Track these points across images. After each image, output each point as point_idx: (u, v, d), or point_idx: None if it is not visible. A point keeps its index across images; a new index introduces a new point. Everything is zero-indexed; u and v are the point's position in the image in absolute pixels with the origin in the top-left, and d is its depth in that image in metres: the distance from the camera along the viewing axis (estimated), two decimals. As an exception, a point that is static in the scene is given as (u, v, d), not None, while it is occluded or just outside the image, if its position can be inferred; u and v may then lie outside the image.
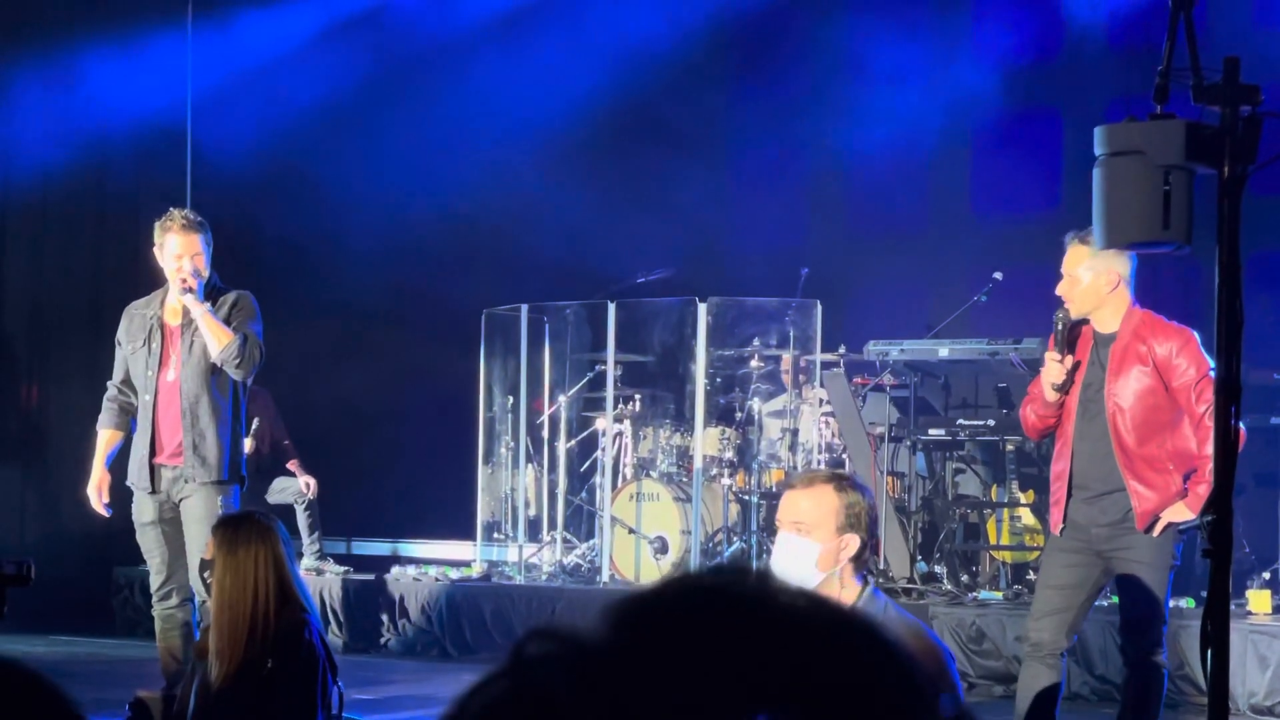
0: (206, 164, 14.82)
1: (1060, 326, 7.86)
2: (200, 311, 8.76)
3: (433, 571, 13.50)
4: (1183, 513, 7.61)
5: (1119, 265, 7.86)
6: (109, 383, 9.18)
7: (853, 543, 4.95)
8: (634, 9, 15.00)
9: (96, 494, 9.03)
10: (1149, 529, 7.70)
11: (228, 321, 8.81)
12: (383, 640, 12.98)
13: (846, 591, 4.97)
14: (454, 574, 13.39)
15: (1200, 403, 7.66)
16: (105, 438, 9.16)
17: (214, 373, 8.82)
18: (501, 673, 1.11)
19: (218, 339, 8.75)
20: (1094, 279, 7.83)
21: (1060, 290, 7.96)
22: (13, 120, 15.07)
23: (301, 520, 13.41)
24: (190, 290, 8.74)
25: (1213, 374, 7.65)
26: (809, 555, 4.93)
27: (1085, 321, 7.91)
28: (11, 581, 4.92)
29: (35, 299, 15.62)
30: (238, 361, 8.74)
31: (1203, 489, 7.54)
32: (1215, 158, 4.87)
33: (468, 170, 15.01)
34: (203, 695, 6.16)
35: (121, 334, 9.10)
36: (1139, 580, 7.62)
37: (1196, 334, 7.95)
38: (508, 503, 13.86)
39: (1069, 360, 7.84)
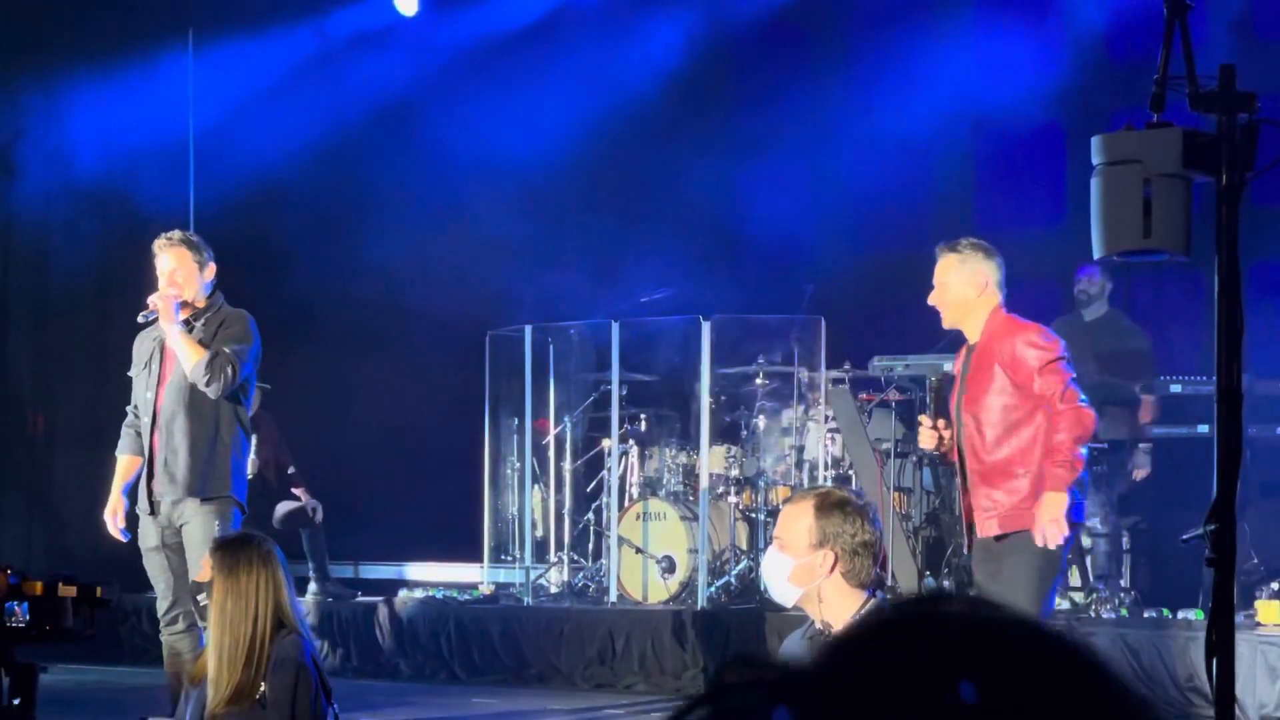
0: (210, 189, 14.82)
1: (932, 385, 7.92)
2: (171, 330, 8.79)
3: (439, 594, 13.47)
4: (1054, 503, 7.55)
5: (985, 270, 7.92)
6: (128, 408, 9.20)
7: (828, 559, 4.97)
8: (634, 29, 14.99)
9: (112, 519, 9.01)
10: (1002, 537, 7.66)
11: (214, 339, 8.82)
12: (391, 664, 12.94)
13: (839, 607, 4.97)
14: (461, 596, 13.37)
15: (1048, 387, 7.63)
16: (123, 464, 9.15)
17: (193, 392, 8.82)
18: (702, 699, 1.09)
19: (186, 356, 8.79)
20: (959, 285, 7.89)
21: (931, 300, 8.04)
22: (18, 149, 15.08)
23: (307, 544, 13.39)
24: (153, 309, 8.80)
25: (1062, 357, 7.72)
26: (784, 570, 5.03)
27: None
28: (100, 604, 4.96)
29: (40, 327, 15.62)
30: (206, 378, 8.74)
31: (1063, 470, 7.52)
32: (1213, 166, 4.85)
33: (469, 192, 15.01)
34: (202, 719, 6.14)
35: (132, 360, 9.14)
36: (1001, 592, 7.57)
37: (1042, 325, 7.93)
38: (514, 524, 13.84)
39: (941, 425, 7.86)
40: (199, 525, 8.71)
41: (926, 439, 7.89)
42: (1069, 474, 7.55)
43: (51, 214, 15.29)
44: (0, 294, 15.50)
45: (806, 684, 1.07)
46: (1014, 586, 7.61)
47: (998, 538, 7.71)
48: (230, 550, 6.26)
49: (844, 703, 1.06)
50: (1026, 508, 7.65)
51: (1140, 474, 12.40)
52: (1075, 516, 7.86)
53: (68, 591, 5.01)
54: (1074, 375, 7.80)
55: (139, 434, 9.08)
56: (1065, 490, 7.53)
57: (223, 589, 6.08)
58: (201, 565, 6.40)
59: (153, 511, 8.84)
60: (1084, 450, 7.63)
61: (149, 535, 8.90)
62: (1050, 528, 7.50)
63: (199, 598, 6.22)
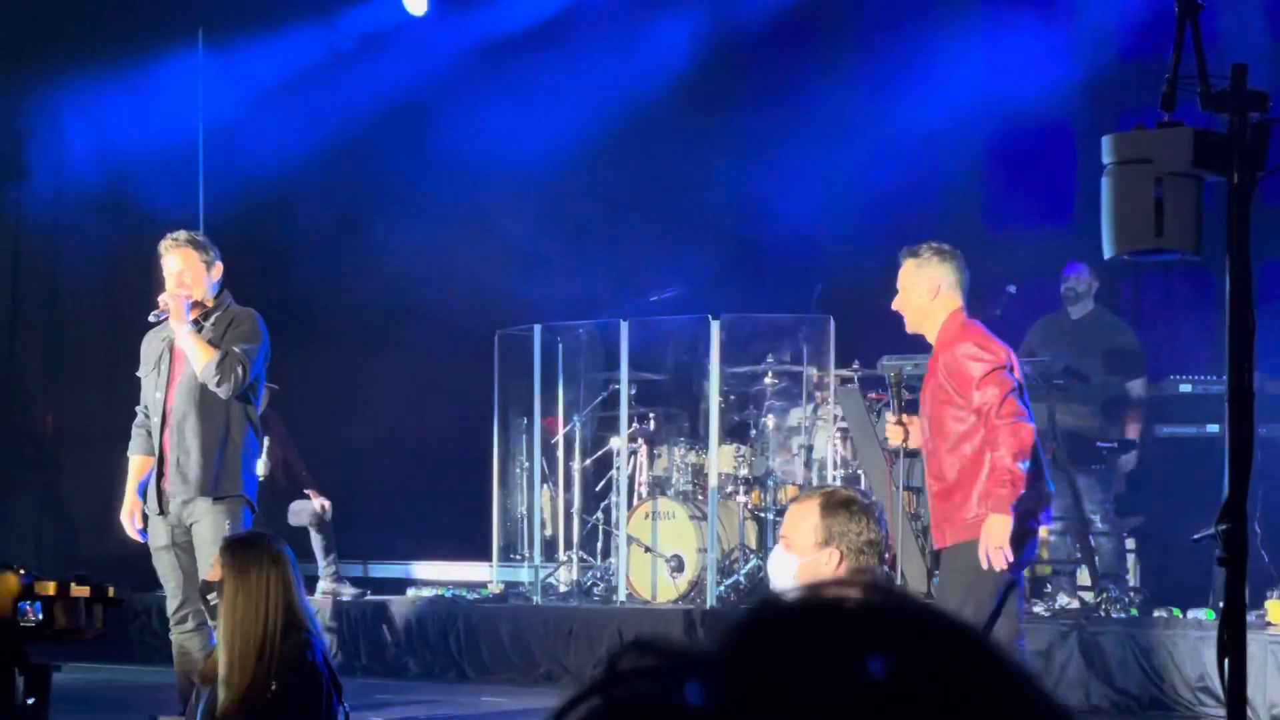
0: (219, 189, 14.83)
1: (892, 380, 7.92)
2: (181, 330, 8.80)
3: (449, 593, 13.47)
4: (995, 528, 7.43)
5: (938, 273, 7.87)
6: (138, 408, 9.21)
7: (833, 558, 4.98)
8: (644, 28, 15.00)
9: (129, 520, 9.03)
10: (947, 548, 7.61)
11: (223, 338, 8.83)
12: (400, 662, 12.95)
13: None
14: (470, 595, 13.37)
15: (985, 400, 7.55)
16: (135, 464, 9.16)
17: (204, 392, 8.83)
18: (594, 687, 1.06)
19: (196, 356, 8.80)
20: (915, 290, 7.86)
21: (894, 305, 8.02)
22: (28, 150, 15.11)
23: (317, 543, 13.40)
24: (163, 309, 8.81)
25: (1002, 367, 7.63)
26: (789, 568, 5.04)
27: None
28: (112, 603, 4.98)
29: (50, 327, 15.64)
30: (217, 378, 8.75)
31: (1004, 490, 7.45)
32: (1224, 165, 4.84)
33: (479, 192, 15.03)
34: (209, 719, 6.14)
35: (141, 361, 9.15)
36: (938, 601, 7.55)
37: (986, 332, 7.83)
38: (523, 523, 13.84)
39: (906, 420, 7.84)
40: (209, 524, 8.72)
41: (892, 434, 7.87)
42: (1010, 493, 7.39)
43: (61, 215, 15.32)
44: (10, 295, 15.52)
45: (709, 667, 1.04)
46: (944, 596, 7.61)
47: (945, 549, 7.68)
48: (240, 549, 6.26)
49: (749, 684, 1.03)
50: (966, 520, 7.57)
51: (1125, 469, 12.39)
52: (1044, 519, 7.86)
53: (80, 591, 5.03)
54: (1017, 385, 7.66)
55: (150, 434, 9.09)
56: (1007, 511, 7.38)
57: (233, 588, 6.07)
58: (211, 564, 6.39)
59: (162, 511, 8.85)
60: (1023, 465, 7.48)
61: (159, 534, 8.91)
62: (994, 554, 7.39)
63: (209, 597, 6.21)
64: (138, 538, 9.07)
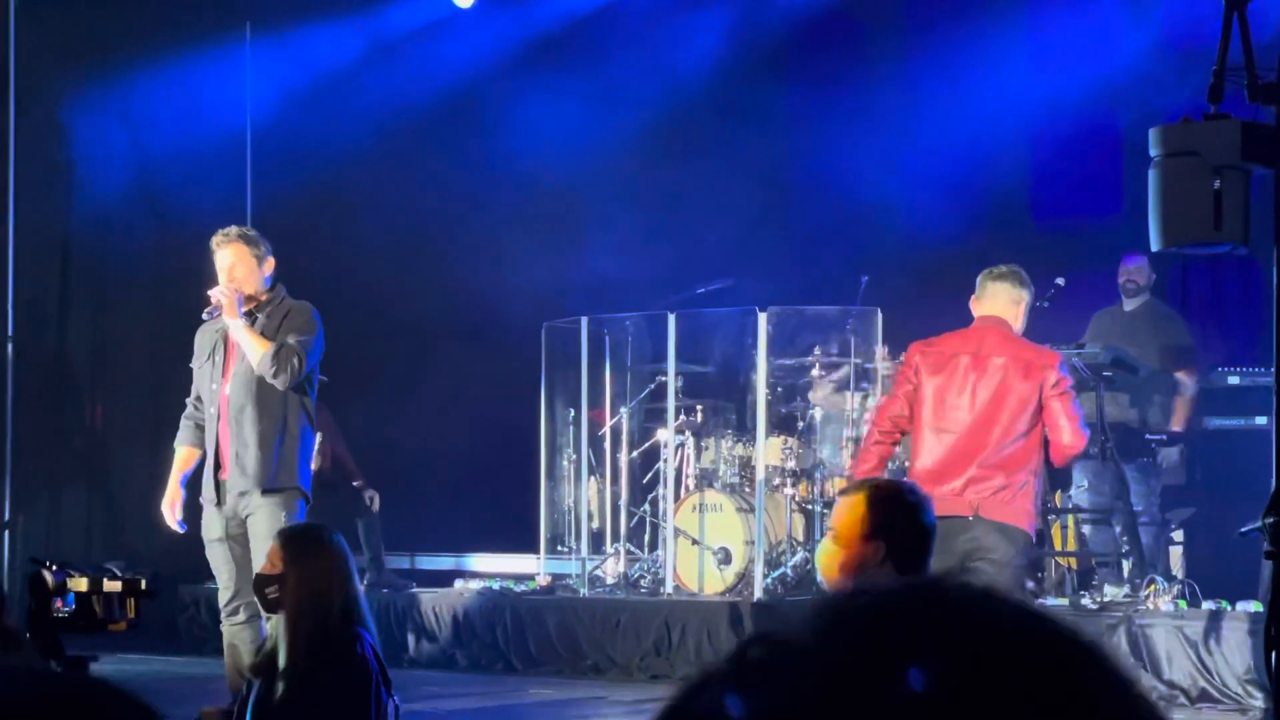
0: (266, 182, 14.90)
1: None
2: (235, 324, 8.86)
3: (496, 585, 13.52)
4: None
5: None
6: (187, 400, 9.27)
7: (879, 550, 5.01)
8: (688, 22, 15.02)
9: (170, 510, 9.10)
10: None
11: (278, 331, 8.89)
12: (447, 655, 13.01)
13: None
14: (518, 588, 13.42)
15: None
16: (182, 455, 9.23)
17: (261, 384, 8.89)
18: (723, 674, 1.10)
19: (252, 349, 8.86)
20: None
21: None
22: (75, 148, 15.20)
23: (364, 535, 13.46)
24: (216, 305, 8.87)
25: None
26: (836, 560, 5.08)
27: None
28: (145, 595, 5.01)
29: (98, 318, 15.73)
30: (273, 370, 8.80)
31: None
32: (1271, 157, 4.85)
33: (526, 183, 15.06)
34: (260, 710, 6.17)
35: (194, 352, 9.21)
36: None
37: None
38: (570, 516, 13.89)
39: None
40: (265, 517, 8.76)
41: None
42: None
43: (108, 211, 15.39)
44: (59, 290, 15.62)
45: (750, 675, 1.07)
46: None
47: None
48: (299, 540, 6.32)
49: (788, 693, 1.05)
50: None
51: (1173, 462, 12.40)
52: None
53: (112, 586, 5.08)
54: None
55: (199, 426, 9.14)
56: None
57: (292, 579, 6.12)
58: (267, 556, 6.44)
59: (219, 503, 8.92)
60: None
61: (213, 526, 8.97)
62: None
63: (267, 591, 6.24)
64: (177, 528, 9.12)
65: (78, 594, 5.04)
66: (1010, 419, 8.37)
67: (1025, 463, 8.38)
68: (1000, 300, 8.68)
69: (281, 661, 6.11)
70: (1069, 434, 8.38)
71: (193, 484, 9.16)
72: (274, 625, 6.50)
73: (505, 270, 14.79)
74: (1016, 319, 8.70)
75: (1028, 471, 8.39)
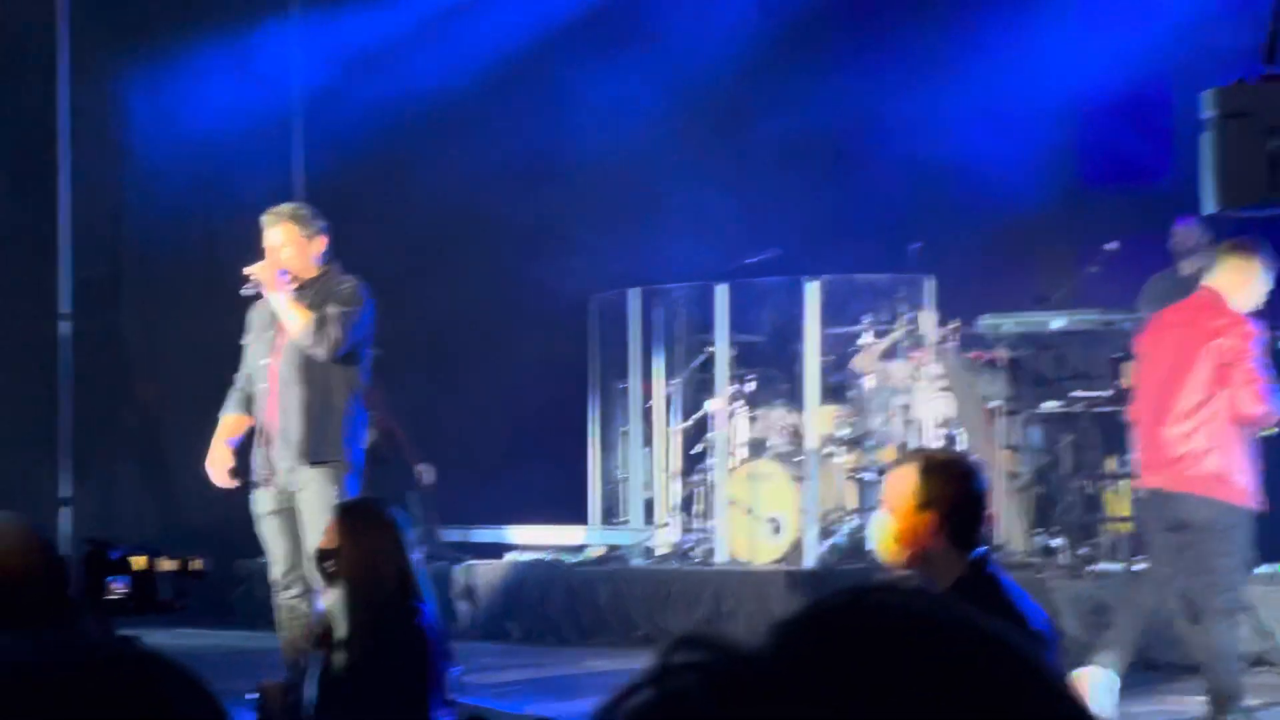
0: (318, 156, 14.93)
1: None
2: (276, 297, 8.88)
3: (548, 557, 13.55)
4: None
5: None
6: (236, 375, 9.31)
7: (932, 521, 5.01)
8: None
9: (218, 467, 9.07)
10: None
11: (323, 305, 8.90)
12: (500, 627, 13.05)
13: (944, 568, 5.01)
14: (570, 559, 13.45)
15: None
16: (227, 421, 9.24)
17: (307, 359, 8.91)
18: (647, 680, 1.10)
19: (291, 319, 8.86)
20: None
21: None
22: (125, 125, 15.23)
23: (416, 508, 13.47)
24: (256, 282, 8.88)
25: None
26: (889, 531, 5.09)
27: None
28: (182, 577, 5.03)
29: (151, 295, 15.77)
30: (311, 341, 8.81)
31: None
32: (1327, 118, 4.83)
33: (574, 156, 15.04)
34: (324, 684, 6.20)
35: (246, 330, 9.25)
36: None
37: None
38: (623, 487, 13.91)
39: None
40: (315, 492, 8.80)
41: None
42: None
43: (162, 184, 15.39)
44: (112, 266, 15.67)
45: (750, 670, 1.07)
46: None
47: None
48: (355, 515, 6.36)
49: (782, 694, 1.05)
50: None
51: None
52: None
53: (167, 565, 5.10)
54: None
55: (248, 397, 9.17)
56: None
57: (349, 552, 6.14)
58: (324, 531, 6.47)
59: (270, 478, 8.96)
60: None
61: (264, 502, 9.00)
62: None
63: (325, 565, 6.27)
64: (229, 482, 9.10)
65: (133, 574, 5.06)
66: (1198, 386, 8.43)
67: (1221, 430, 8.41)
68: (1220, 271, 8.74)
69: (341, 634, 6.15)
70: (1247, 402, 8.42)
71: (244, 460, 9.18)
72: (331, 599, 6.54)
73: (554, 242, 14.78)
74: (1233, 288, 8.72)
75: (1225, 438, 8.41)
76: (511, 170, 15.21)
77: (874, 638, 1.08)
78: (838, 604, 1.13)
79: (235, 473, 9.08)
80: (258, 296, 9.08)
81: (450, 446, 14.46)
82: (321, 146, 14.93)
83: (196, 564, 5.12)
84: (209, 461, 9.13)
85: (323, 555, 6.32)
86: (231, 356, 9.56)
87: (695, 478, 13.47)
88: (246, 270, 8.97)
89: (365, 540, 6.18)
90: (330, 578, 6.31)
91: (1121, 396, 11.54)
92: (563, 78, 15.06)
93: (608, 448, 14.05)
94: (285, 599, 8.93)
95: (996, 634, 1.11)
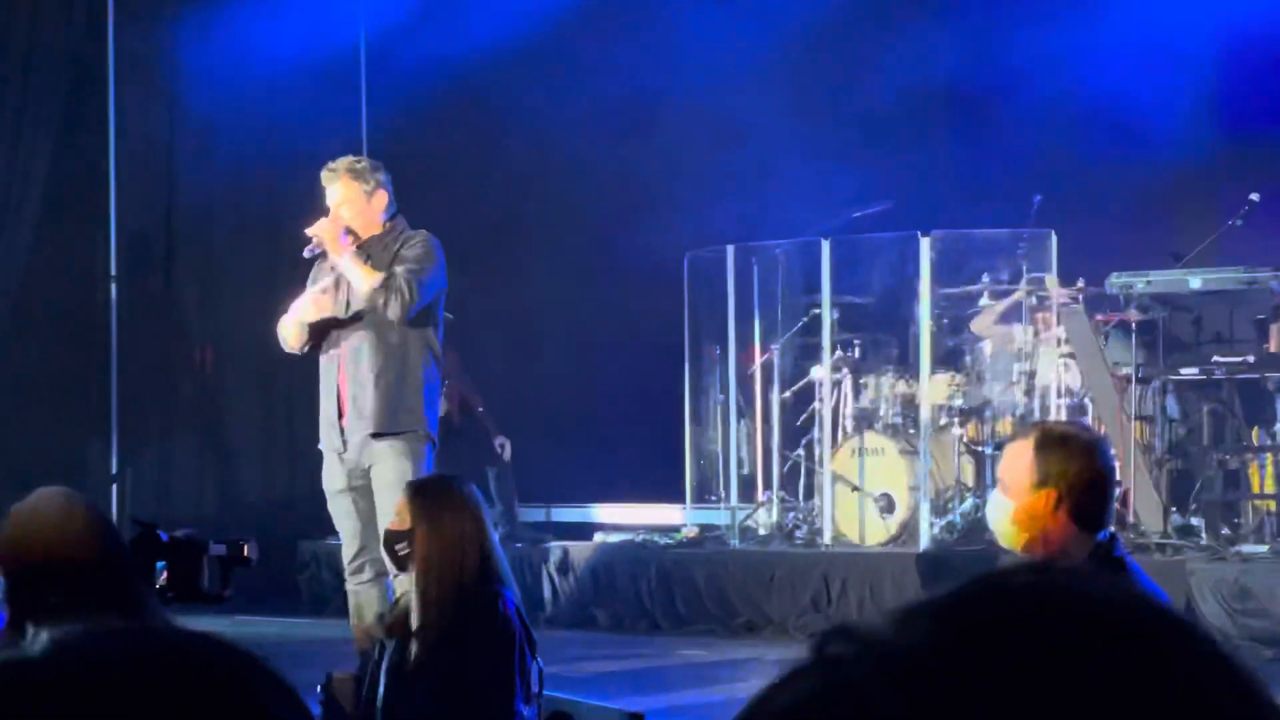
0: (383, 105, 14.93)
1: None
2: (341, 260, 8.89)
3: (639, 538, 13.55)
4: None
5: None
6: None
7: (1051, 500, 4.94)
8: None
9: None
10: None
11: (391, 264, 8.90)
12: (587, 614, 13.08)
13: (1068, 550, 4.96)
14: (663, 540, 13.45)
15: None
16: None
17: (378, 321, 8.91)
18: (804, 670, 1.10)
19: (358, 279, 8.87)
20: None
21: None
22: (177, 69, 15.25)
23: (495, 485, 13.50)
24: (317, 244, 8.90)
25: None
26: (1005, 512, 5.02)
27: None
28: (231, 564, 5.00)
29: (205, 255, 15.85)
30: (382, 300, 8.81)
31: None
32: None
33: (665, 103, 14.99)
34: (395, 674, 6.19)
35: (310, 282, 9.25)
36: None
37: None
38: (719, 462, 13.90)
39: None
40: (390, 465, 8.77)
41: None
42: None
43: (216, 137, 15.44)
44: (164, 226, 15.72)
45: (915, 662, 1.07)
46: None
47: None
48: (430, 493, 6.34)
49: (954, 688, 1.05)
50: None
51: None
52: None
53: (215, 551, 5.07)
54: None
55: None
56: None
57: (424, 535, 6.12)
58: (396, 511, 6.47)
59: (342, 451, 8.95)
60: None
61: (335, 477, 8.99)
62: None
63: (397, 547, 6.27)
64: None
65: (174, 559, 5.02)
66: None
67: None
68: None
69: (415, 623, 6.14)
70: None
71: (313, 433, 9.20)
72: (404, 584, 6.53)
73: (646, 197, 14.73)
74: None
75: None
76: (599, 119, 15.12)
77: (1051, 623, 1.08)
78: (994, 587, 1.12)
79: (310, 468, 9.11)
80: (321, 257, 9.09)
81: (531, 417, 14.51)
82: (391, 94, 14.92)
83: (246, 550, 5.08)
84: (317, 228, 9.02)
85: (394, 537, 6.32)
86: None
87: (798, 452, 13.44)
88: (307, 230, 8.99)
89: (441, 521, 6.17)
90: (402, 562, 6.31)
91: (1267, 362, 11.44)
92: (660, 18, 14.99)
93: (702, 419, 14.05)
94: (356, 584, 8.92)
95: (1176, 618, 1.11)
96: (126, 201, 14.73)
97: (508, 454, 13.66)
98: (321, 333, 9.08)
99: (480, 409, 13.73)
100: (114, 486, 14.26)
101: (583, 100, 15.20)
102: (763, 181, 14.28)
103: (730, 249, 13.60)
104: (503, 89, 15.34)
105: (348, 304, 9.01)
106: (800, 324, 13.63)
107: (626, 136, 15.00)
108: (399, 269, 8.86)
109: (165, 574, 4.91)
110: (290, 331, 9.13)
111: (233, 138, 15.40)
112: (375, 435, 8.83)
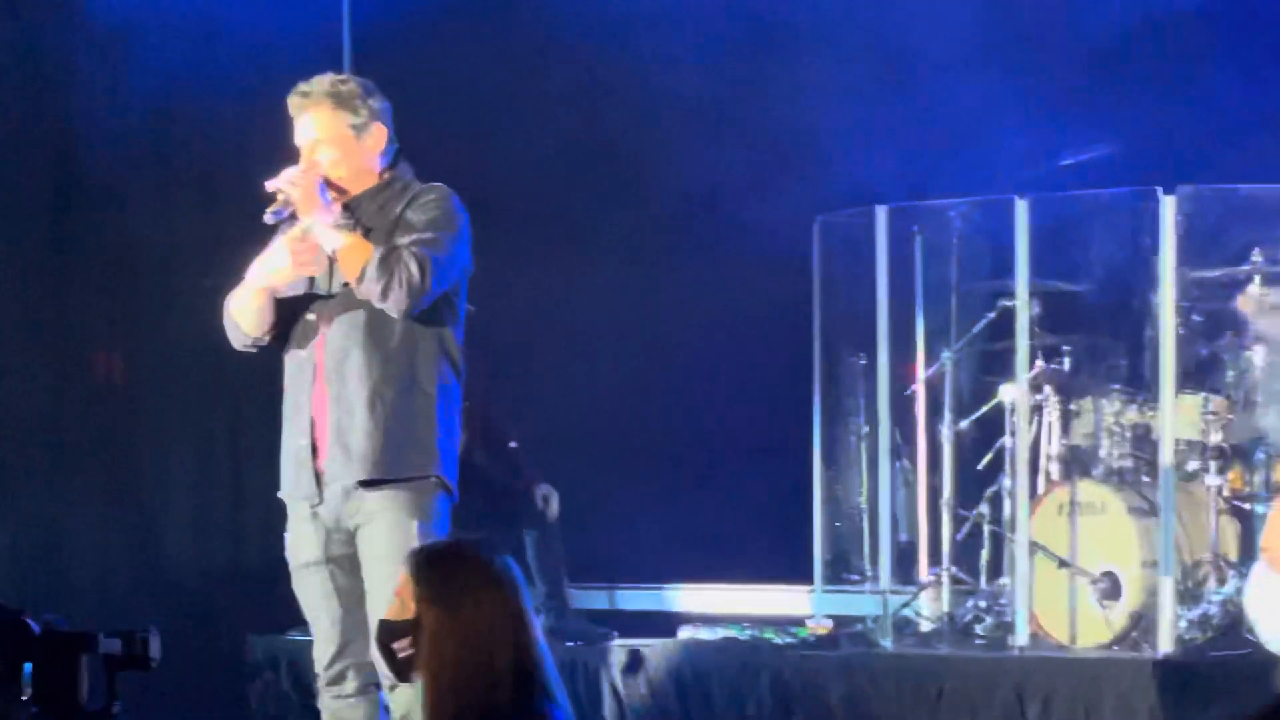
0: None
1: None
2: (316, 225, 8.83)
3: (746, 635, 13.50)
4: None
5: None
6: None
7: None
8: None
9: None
10: None
11: (392, 232, 8.81)
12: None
13: None
14: (781, 638, 13.39)
15: None
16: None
17: (372, 317, 8.85)
18: None
19: (345, 256, 8.81)
20: None
21: None
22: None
23: (536, 556, 13.55)
24: (284, 203, 8.79)
25: None
26: (1274, 596, 4.99)
27: None
28: (122, 665, 4.99)
29: (117, 223, 15.82)
30: (381, 286, 8.71)
31: None
32: None
33: (790, 20, 15.02)
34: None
35: None
36: None
37: None
38: (862, 521, 13.86)
39: None
40: (387, 526, 8.73)
41: None
42: None
43: (132, 55, 15.42)
44: (56, 173, 15.73)
45: None
46: None
47: None
48: (443, 566, 6.32)
49: None
50: None
51: None
52: None
53: (106, 645, 5.06)
54: None
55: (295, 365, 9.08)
56: None
57: (436, 628, 6.14)
58: (394, 591, 6.42)
59: (315, 505, 8.89)
60: None
61: (305, 542, 8.94)
62: None
63: (395, 646, 6.24)
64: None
65: (51, 662, 5.01)
66: None
67: None
68: None
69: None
70: None
71: (272, 476, 9.15)
72: (406, 701, 6.51)
73: (755, 139, 14.70)
74: None
75: None
76: (693, 30, 15.08)
77: None
78: None
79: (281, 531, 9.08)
80: (288, 222, 9.02)
81: (587, 456, 14.54)
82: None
83: (148, 646, 5.06)
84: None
85: (393, 631, 6.32)
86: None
87: (979, 510, 13.41)
88: (269, 184, 8.89)
89: (460, 608, 6.18)
90: (402, 667, 6.36)
91: None
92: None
93: (839, 461, 14.03)
94: (336, 698, 8.94)
95: None
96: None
97: (554, 510, 13.70)
98: (290, 318, 9.01)
99: (514, 444, 13.74)
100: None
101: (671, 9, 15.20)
102: (931, 121, 14.21)
103: (881, 211, 13.57)
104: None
105: (330, 276, 8.94)
106: (984, 321, 13.64)
107: (722, 59, 14.97)
108: (404, 240, 8.78)
109: (31, 680, 4.90)
110: (246, 306, 9.05)
111: (156, 53, 15.38)
112: (367, 483, 8.78)
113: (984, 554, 13.48)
